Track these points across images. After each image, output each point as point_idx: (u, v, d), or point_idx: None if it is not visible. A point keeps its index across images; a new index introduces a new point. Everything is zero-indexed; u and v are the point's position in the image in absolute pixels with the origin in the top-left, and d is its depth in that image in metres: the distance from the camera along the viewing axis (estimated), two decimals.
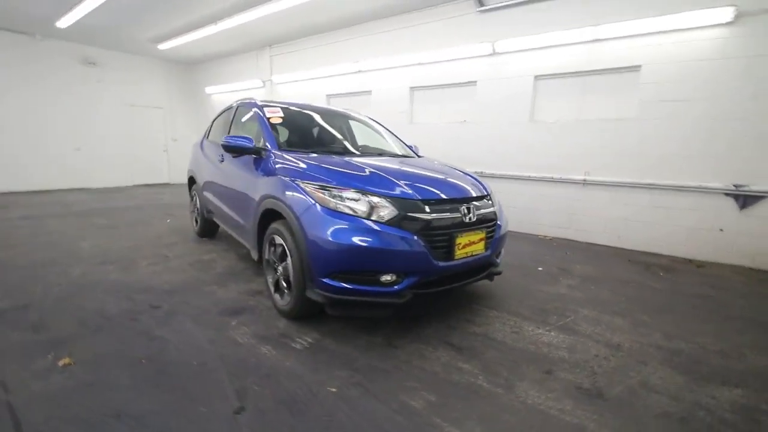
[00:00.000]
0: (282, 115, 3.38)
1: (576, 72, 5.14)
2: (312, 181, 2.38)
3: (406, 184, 2.39)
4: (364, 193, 2.27)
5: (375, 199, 2.25)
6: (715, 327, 2.76)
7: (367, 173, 2.50)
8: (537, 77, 5.44)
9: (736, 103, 4.17)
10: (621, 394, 1.95)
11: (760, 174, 4.11)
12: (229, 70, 10.02)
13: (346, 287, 2.20)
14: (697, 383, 2.06)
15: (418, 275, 2.27)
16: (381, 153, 3.48)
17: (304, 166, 2.58)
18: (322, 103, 7.48)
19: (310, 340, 2.37)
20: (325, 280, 2.22)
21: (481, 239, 2.53)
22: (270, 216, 2.75)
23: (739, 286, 3.63)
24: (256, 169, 3.00)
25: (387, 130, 4.19)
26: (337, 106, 6.51)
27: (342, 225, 2.17)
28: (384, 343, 2.37)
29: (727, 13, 4.06)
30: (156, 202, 7.73)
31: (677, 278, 3.86)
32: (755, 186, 4.13)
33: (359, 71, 7.31)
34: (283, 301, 2.62)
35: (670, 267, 4.24)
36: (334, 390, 1.89)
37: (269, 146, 2.99)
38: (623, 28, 4.67)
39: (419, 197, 2.33)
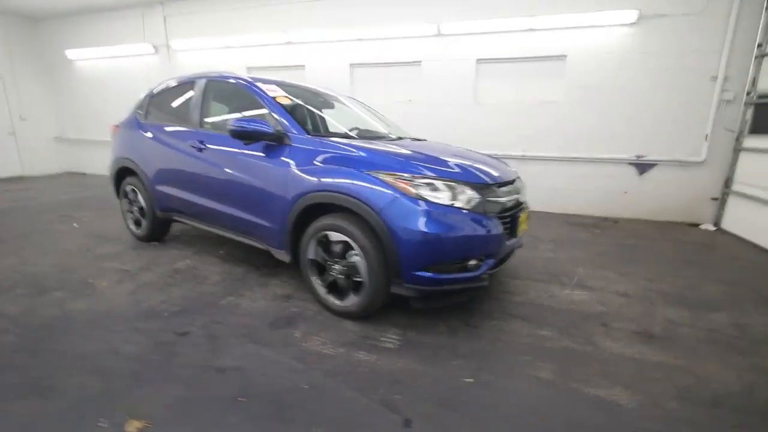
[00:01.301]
0: (286, 94, 2.96)
1: (514, 58, 5.68)
2: (387, 170, 2.21)
3: (474, 169, 2.42)
4: (446, 180, 2.23)
5: (457, 186, 2.23)
6: (666, 269, 3.57)
7: (443, 159, 2.41)
8: (479, 60, 5.84)
9: (636, 90, 5.22)
10: (664, 332, 2.43)
11: (654, 146, 5.29)
12: (101, 29, 8.01)
13: (439, 277, 2.17)
14: (695, 314, 2.69)
15: (495, 256, 2.36)
16: (379, 136, 3.35)
17: (364, 154, 2.36)
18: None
19: (395, 337, 2.29)
20: (418, 273, 2.14)
21: (527, 216, 2.75)
22: (312, 212, 2.47)
23: (654, 235, 4.72)
24: (277, 158, 2.60)
25: (370, 109, 4.04)
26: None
27: (435, 215, 2.11)
28: (463, 325, 2.44)
29: (632, 15, 4.99)
30: (30, 202, 5.93)
31: (609, 233, 4.79)
32: (650, 156, 5.32)
33: (289, 42, 6.69)
34: (345, 301, 2.43)
35: (596, 224, 5.21)
36: (471, 380, 1.90)
37: (294, 131, 2.63)
38: (553, 21, 5.32)
39: (491, 181, 2.39)
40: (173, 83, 3.66)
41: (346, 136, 2.95)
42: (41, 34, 8.54)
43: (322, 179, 2.37)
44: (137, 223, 3.97)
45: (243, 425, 1.58)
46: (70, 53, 8.19)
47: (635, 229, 5.01)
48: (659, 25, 4.97)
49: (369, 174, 2.23)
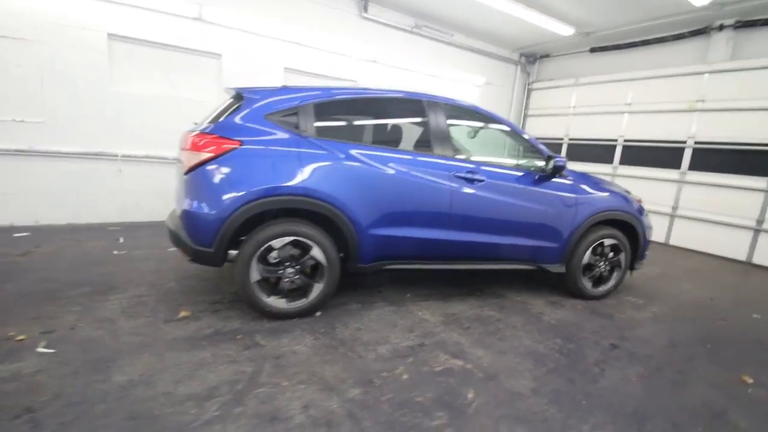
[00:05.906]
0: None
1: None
2: (624, 192, 3.55)
3: None
4: None
5: None
6: None
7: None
8: None
9: None
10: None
11: None
12: None
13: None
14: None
15: None
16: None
17: (601, 179, 3.53)
18: (98, 50, 4.47)
19: (635, 298, 3.67)
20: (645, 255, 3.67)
21: None
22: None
23: None
24: (561, 185, 3.21)
25: None
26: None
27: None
28: None
29: (482, 80, 7.80)
30: None
31: None
32: None
33: (200, 19, 4.89)
34: (602, 287, 3.49)
35: None
36: None
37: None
38: (442, 72, 7.30)
39: None
40: (366, 94, 2.86)
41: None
42: None
43: (611, 200, 3.34)
44: (296, 293, 2.59)
45: None
46: None
47: None
48: (490, 89, 8.06)
49: (626, 194, 3.48)
